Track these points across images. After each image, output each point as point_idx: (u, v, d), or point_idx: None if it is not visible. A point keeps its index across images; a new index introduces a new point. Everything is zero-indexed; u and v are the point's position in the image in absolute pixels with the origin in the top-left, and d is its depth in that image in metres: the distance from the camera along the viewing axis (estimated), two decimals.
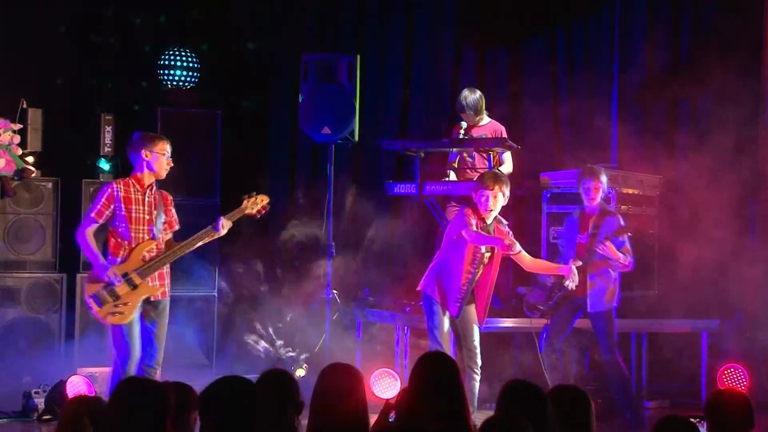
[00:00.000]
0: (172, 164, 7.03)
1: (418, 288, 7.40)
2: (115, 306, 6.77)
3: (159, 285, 6.93)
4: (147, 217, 6.88)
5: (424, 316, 7.42)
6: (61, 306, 9.16)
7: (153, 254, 6.91)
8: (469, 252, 7.16)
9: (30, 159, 9.11)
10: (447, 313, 7.25)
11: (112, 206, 6.81)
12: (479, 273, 7.26)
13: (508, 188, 7.24)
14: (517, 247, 7.18)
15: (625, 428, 7.71)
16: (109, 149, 9.44)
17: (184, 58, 9.75)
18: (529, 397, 4.17)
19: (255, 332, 9.40)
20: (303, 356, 9.19)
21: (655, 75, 10.18)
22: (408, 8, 10.89)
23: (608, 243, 7.68)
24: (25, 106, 9.21)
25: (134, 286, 6.81)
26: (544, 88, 10.46)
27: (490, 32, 10.73)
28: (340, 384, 4.35)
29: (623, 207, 9.04)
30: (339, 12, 10.88)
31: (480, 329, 7.38)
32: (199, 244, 7.01)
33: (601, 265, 7.78)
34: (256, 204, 7.12)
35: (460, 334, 7.36)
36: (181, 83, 9.76)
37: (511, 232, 7.32)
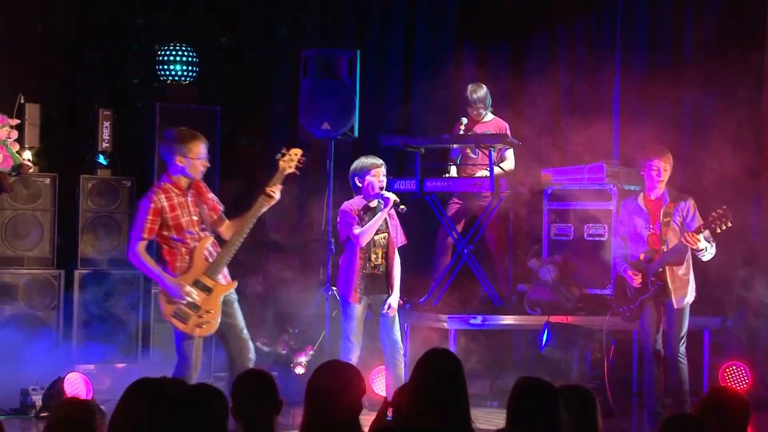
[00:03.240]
0: (208, 165, 6.83)
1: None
2: (199, 317, 6.59)
3: (231, 279, 6.78)
4: (195, 218, 6.71)
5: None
6: (59, 302, 9.12)
7: (213, 250, 6.74)
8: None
9: (27, 154, 9.07)
10: (359, 304, 7.30)
11: (159, 219, 6.61)
12: (380, 257, 7.34)
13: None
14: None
15: (625, 428, 7.67)
16: (107, 145, 9.39)
17: (182, 53, 9.70)
18: (542, 394, 4.12)
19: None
20: (301, 353, 9.16)
21: (658, 71, 10.14)
22: (408, 3, 10.85)
23: (693, 234, 7.17)
24: (22, 101, 9.17)
25: (209, 291, 6.64)
26: (545, 83, 10.41)
27: (491, 28, 10.69)
28: (335, 381, 4.32)
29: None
30: (339, 7, 10.84)
31: (404, 308, 7.62)
32: (257, 215, 6.78)
33: (682, 256, 7.39)
34: (292, 160, 6.93)
35: (379, 326, 7.40)
36: (180, 78, 9.71)
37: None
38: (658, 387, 7.55)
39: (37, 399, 7.89)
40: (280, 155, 6.94)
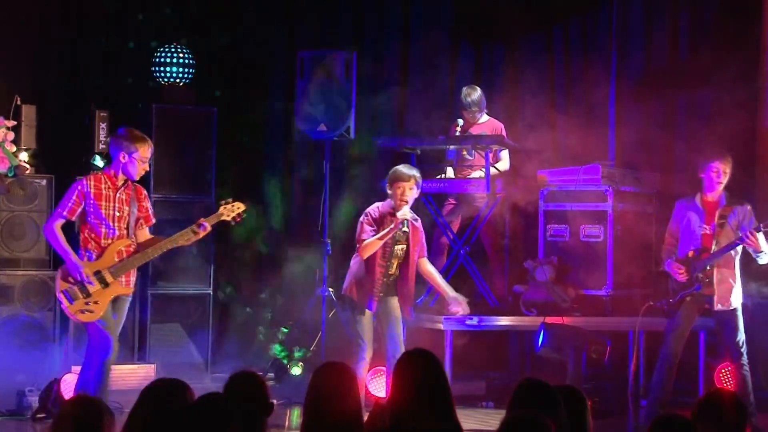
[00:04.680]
0: (147, 169, 7.05)
1: (342, 291, 7.48)
2: (86, 303, 6.81)
3: (130, 284, 6.97)
4: (118, 214, 6.91)
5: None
6: (56, 304, 9.08)
7: (127, 252, 6.93)
8: (379, 252, 7.23)
9: (24, 156, 9.06)
10: (365, 312, 7.31)
11: (82, 203, 6.86)
12: (395, 267, 7.34)
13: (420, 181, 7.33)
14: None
15: (621, 428, 7.67)
16: (104, 146, 9.36)
17: (179, 55, 9.70)
18: (543, 396, 4.12)
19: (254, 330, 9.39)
20: (298, 354, 9.16)
21: (653, 72, 10.15)
22: (405, 4, 10.85)
23: (753, 231, 7.19)
24: (19, 102, 9.15)
25: (106, 285, 6.85)
26: (541, 85, 10.43)
27: (487, 29, 10.69)
28: (335, 383, 4.32)
29: (620, 205, 9.01)
30: (335, 8, 10.83)
31: (409, 321, 7.59)
32: (177, 245, 7.05)
33: (729, 259, 7.41)
34: (232, 211, 7.17)
35: (384, 325, 7.40)
36: (176, 79, 9.70)
37: (422, 231, 7.45)
38: (667, 388, 7.54)
39: (33, 400, 7.87)
40: (224, 202, 7.20)
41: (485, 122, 9.29)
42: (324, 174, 9.51)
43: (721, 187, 7.47)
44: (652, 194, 9.40)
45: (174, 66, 9.69)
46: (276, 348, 9.28)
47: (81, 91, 9.95)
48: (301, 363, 9.09)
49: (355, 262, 7.43)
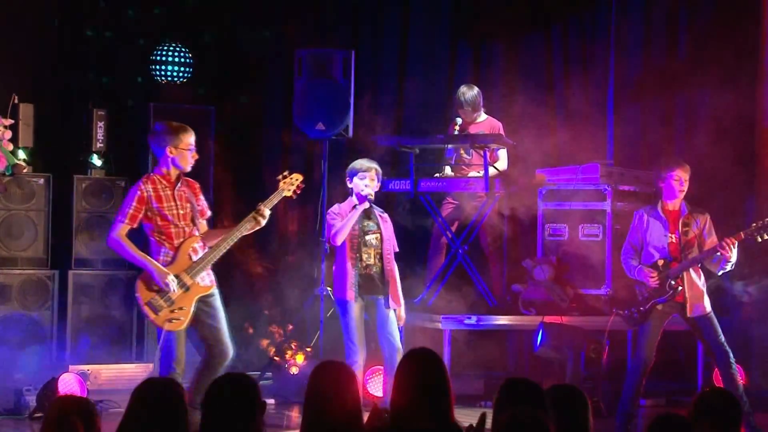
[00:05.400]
0: (197, 156, 6.85)
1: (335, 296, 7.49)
2: (171, 312, 6.59)
3: (210, 281, 6.77)
4: (182, 212, 6.71)
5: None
6: (53, 303, 9.10)
7: (199, 251, 6.75)
8: (348, 240, 7.26)
9: (21, 154, 9.04)
10: (357, 305, 7.28)
11: (144, 208, 6.64)
12: (373, 257, 7.33)
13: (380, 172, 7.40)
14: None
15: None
16: (102, 145, 9.37)
17: (176, 53, 9.68)
18: (528, 394, 4.12)
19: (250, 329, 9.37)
20: (296, 353, 9.14)
21: (652, 70, 10.15)
22: (403, 3, 10.84)
23: (733, 240, 7.18)
24: (16, 101, 9.14)
25: (186, 288, 6.65)
26: (539, 84, 10.42)
27: (486, 28, 10.69)
28: (334, 382, 4.30)
29: (619, 204, 9.01)
30: (334, 7, 10.82)
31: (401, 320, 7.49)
32: (243, 234, 6.83)
33: (697, 265, 7.41)
34: (291, 184, 7.01)
35: (377, 325, 7.39)
36: (173, 78, 9.69)
37: (391, 225, 7.48)
38: (637, 392, 7.52)
39: (31, 400, 7.85)
40: (281, 176, 7.02)
41: (483, 121, 9.28)
42: (322, 173, 9.50)
43: (682, 195, 7.45)
44: (651, 193, 9.38)
45: (172, 65, 9.68)
46: (270, 347, 9.26)
47: (79, 89, 9.94)
48: (298, 362, 9.07)
49: (335, 263, 7.45)
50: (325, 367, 4.44)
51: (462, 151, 9.21)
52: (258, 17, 10.72)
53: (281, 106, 10.50)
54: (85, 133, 9.43)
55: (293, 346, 8.96)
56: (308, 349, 8.95)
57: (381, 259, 7.38)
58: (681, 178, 7.39)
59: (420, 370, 4.27)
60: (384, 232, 7.39)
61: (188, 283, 6.65)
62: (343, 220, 7.28)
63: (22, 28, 9.73)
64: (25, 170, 8.96)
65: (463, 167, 9.18)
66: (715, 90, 9.50)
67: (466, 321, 8.55)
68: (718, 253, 7.27)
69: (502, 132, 9.14)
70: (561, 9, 10.59)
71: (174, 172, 6.75)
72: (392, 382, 7.16)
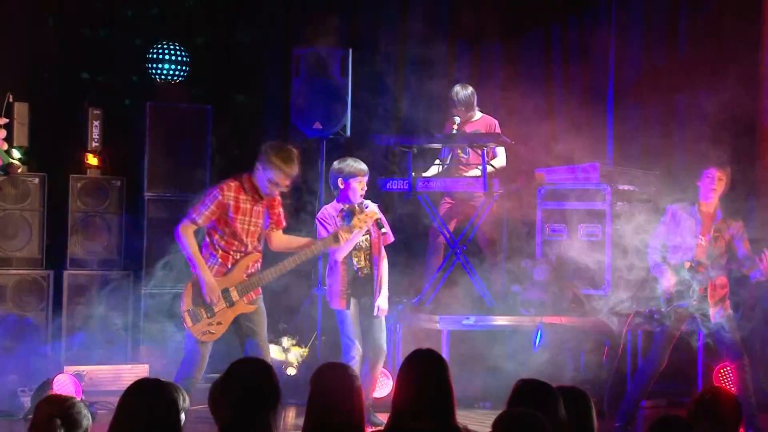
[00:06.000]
0: (284, 190, 6.78)
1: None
2: (209, 324, 6.58)
3: (253, 300, 6.73)
4: (252, 228, 6.66)
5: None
6: (48, 303, 9.05)
7: (255, 268, 6.72)
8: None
9: (16, 154, 8.99)
10: (351, 311, 7.31)
11: (219, 213, 6.58)
12: (363, 260, 7.35)
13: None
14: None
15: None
16: (97, 144, 9.33)
17: (173, 52, 9.64)
18: (542, 395, 4.08)
19: None
20: (293, 354, 9.10)
21: (651, 69, 10.12)
22: (401, 1, 10.80)
23: None
24: (11, 100, 9.07)
25: (231, 304, 6.63)
26: (538, 83, 10.39)
27: (485, 27, 10.65)
28: (337, 384, 4.26)
29: (618, 204, 8.96)
30: (331, 5, 10.78)
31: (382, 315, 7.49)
32: (316, 254, 6.94)
33: (724, 271, 7.37)
34: (365, 222, 7.02)
35: (365, 326, 7.41)
36: (170, 77, 9.64)
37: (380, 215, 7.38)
38: (643, 393, 7.51)
39: (26, 401, 7.81)
40: (358, 210, 7.07)
41: (478, 119, 9.23)
42: (319, 172, 9.46)
43: (716, 195, 7.39)
44: (651, 193, 9.34)
45: (168, 63, 9.63)
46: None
47: (74, 88, 9.89)
48: (295, 363, 9.01)
49: (328, 268, 7.45)
50: (329, 370, 4.40)
51: (459, 151, 9.16)
52: (256, 16, 10.68)
53: (278, 105, 10.46)
54: (81, 132, 9.38)
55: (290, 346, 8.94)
56: (305, 350, 8.91)
57: (371, 259, 7.41)
58: (714, 177, 7.33)
59: (423, 370, 4.23)
60: (372, 233, 7.38)
61: (234, 300, 6.63)
62: (330, 229, 7.21)
63: (17, 26, 9.69)
64: (20, 170, 8.94)
65: (461, 167, 9.13)
66: (715, 89, 9.46)
67: (465, 321, 8.51)
68: (755, 266, 7.21)
69: (498, 129, 9.09)
70: (560, 8, 10.56)
71: (260, 191, 6.68)
72: (371, 382, 7.31)
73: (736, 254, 7.38)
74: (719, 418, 4.45)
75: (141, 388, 3.96)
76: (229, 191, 6.60)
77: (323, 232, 7.23)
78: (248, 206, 6.63)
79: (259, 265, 6.76)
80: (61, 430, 3.90)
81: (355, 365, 7.18)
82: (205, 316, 6.56)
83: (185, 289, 6.65)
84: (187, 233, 6.56)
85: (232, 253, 6.64)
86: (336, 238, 6.85)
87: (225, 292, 6.59)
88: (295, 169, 6.67)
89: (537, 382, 4.20)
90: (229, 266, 6.63)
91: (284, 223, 6.91)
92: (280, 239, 6.89)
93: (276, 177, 6.60)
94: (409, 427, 4.10)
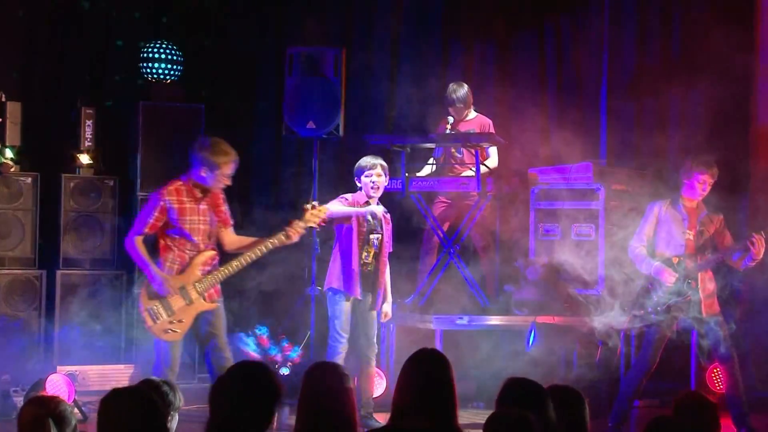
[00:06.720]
0: (229, 183, 6.82)
1: (325, 288, 7.59)
2: (170, 323, 6.63)
3: (213, 298, 6.77)
4: (202, 226, 6.72)
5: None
6: (41, 303, 9.02)
7: (211, 265, 6.76)
8: (356, 234, 7.39)
9: (9, 153, 8.97)
10: (349, 301, 7.42)
11: (164, 218, 6.65)
12: (371, 256, 7.48)
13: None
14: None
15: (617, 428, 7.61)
16: (90, 143, 9.30)
17: (166, 51, 9.62)
18: (531, 394, 4.08)
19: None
20: (287, 353, 9.08)
21: (645, 69, 10.12)
22: (395, 1, 10.78)
23: (761, 238, 7.14)
24: (3, 99, 9.07)
25: (190, 301, 6.67)
26: (532, 82, 10.38)
27: (478, 26, 10.64)
28: (328, 384, 4.25)
29: (612, 203, 8.96)
30: (325, 4, 10.76)
31: (378, 319, 7.63)
32: (267, 251, 6.89)
33: (711, 264, 7.39)
34: (317, 216, 7.03)
35: (360, 325, 7.52)
36: (163, 76, 9.62)
37: (391, 226, 7.66)
38: (636, 392, 7.53)
39: (19, 401, 7.79)
40: (310, 206, 7.04)
41: (473, 119, 9.22)
42: (313, 172, 9.45)
43: (702, 197, 7.45)
44: (644, 193, 9.34)
45: (161, 63, 9.61)
46: (252, 346, 9.19)
47: (67, 87, 9.87)
48: (289, 362, 8.99)
49: (334, 257, 7.54)
50: (321, 369, 4.39)
51: (453, 150, 9.16)
52: (249, 15, 10.66)
53: (272, 105, 10.44)
54: (74, 131, 9.36)
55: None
56: (299, 352, 8.89)
57: (377, 258, 7.52)
58: (707, 182, 7.37)
59: (424, 370, 4.22)
60: (384, 234, 7.55)
61: (193, 297, 6.67)
62: (350, 207, 7.40)
63: (10, 25, 9.67)
64: (12, 169, 8.91)
65: (456, 166, 9.12)
66: (709, 88, 9.47)
67: (458, 321, 8.51)
68: (747, 251, 7.21)
69: (492, 129, 9.08)
70: (554, 8, 10.55)
71: (202, 188, 6.74)
72: (365, 379, 7.34)
73: (724, 245, 7.40)
74: (700, 421, 4.45)
75: (115, 399, 3.91)
76: (169, 195, 6.67)
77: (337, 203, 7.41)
78: (192, 206, 6.70)
79: (215, 262, 6.82)
80: (53, 429, 3.89)
81: (341, 361, 7.21)
82: (164, 314, 6.61)
83: (141, 290, 6.74)
84: (137, 244, 6.69)
85: (186, 253, 6.71)
86: (287, 234, 6.87)
87: (182, 289, 6.65)
88: (233, 153, 6.77)
89: (525, 381, 4.20)
90: (183, 265, 6.70)
91: (231, 221, 6.96)
92: (231, 239, 6.95)
93: (220, 168, 6.67)
94: (409, 427, 4.09)
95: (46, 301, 9.05)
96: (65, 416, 3.96)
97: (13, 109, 9.10)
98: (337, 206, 7.42)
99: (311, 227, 7.10)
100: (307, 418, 4.22)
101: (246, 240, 6.97)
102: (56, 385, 7.76)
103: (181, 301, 6.63)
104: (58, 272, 9.09)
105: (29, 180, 9.08)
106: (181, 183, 6.74)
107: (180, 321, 6.64)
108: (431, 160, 9.11)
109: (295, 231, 6.85)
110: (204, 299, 6.71)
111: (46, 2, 9.95)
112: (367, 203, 7.49)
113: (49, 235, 9.23)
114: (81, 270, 9.18)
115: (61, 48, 10.00)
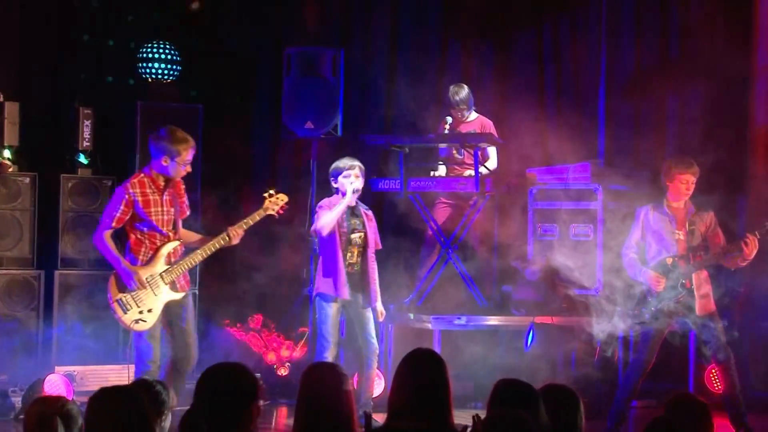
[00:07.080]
0: (190, 170, 6.90)
1: (314, 294, 7.60)
2: (140, 313, 6.70)
3: (183, 287, 6.85)
4: (166, 217, 6.80)
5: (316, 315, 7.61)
6: (39, 303, 9.01)
7: (177, 255, 6.84)
8: (337, 236, 7.40)
9: (7, 153, 8.96)
10: (336, 304, 7.44)
11: (131, 212, 6.72)
12: (356, 255, 7.49)
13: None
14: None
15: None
16: (88, 143, 9.29)
17: (164, 51, 9.61)
18: (522, 395, 4.08)
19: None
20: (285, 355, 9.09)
21: (643, 70, 10.13)
22: (393, 1, 10.78)
23: (754, 238, 7.16)
24: (2, 99, 9.06)
25: (159, 291, 6.76)
26: (530, 82, 10.39)
27: (476, 26, 10.65)
28: (327, 384, 4.25)
29: (610, 203, 8.97)
30: (323, 4, 10.76)
31: (374, 317, 7.60)
32: (215, 250, 6.95)
33: (705, 263, 7.39)
34: (276, 204, 7.13)
35: (356, 325, 7.56)
36: (161, 76, 9.62)
37: (375, 223, 7.67)
38: (632, 392, 7.53)
39: (17, 401, 7.81)
40: (268, 194, 7.14)
41: (474, 120, 9.23)
42: (311, 172, 9.45)
43: (687, 196, 7.46)
44: (642, 193, 9.34)
45: (159, 63, 9.60)
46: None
47: (65, 88, 9.87)
48: (287, 363, 9.00)
49: (319, 262, 7.57)
50: (318, 370, 4.40)
51: (454, 151, 9.16)
52: (247, 15, 10.66)
53: (270, 105, 10.44)
54: (72, 131, 9.35)
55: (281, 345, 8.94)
56: (297, 350, 8.90)
57: (362, 257, 7.53)
58: (689, 182, 7.40)
59: (419, 370, 4.23)
60: (368, 231, 7.52)
61: (161, 287, 6.75)
62: (334, 210, 7.41)
63: (8, 26, 9.66)
64: (10, 169, 8.90)
65: (455, 167, 9.13)
66: (706, 89, 9.48)
67: (456, 321, 8.51)
68: (740, 251, 7.22)
69: (492, 130, 9.09)
70: (552, 7, 10.56)
71: (163, 178, 6.82)
72: (366, 381, 7.35)
73: (716, 243, 7.39)
74: (693, 423, 4.47)
75: (102, 398, 3.92)
76: (133, 188, 6.74)
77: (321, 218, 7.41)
78: (156, 197, 6.77)
79: (180, 251, 6.89)
80: (61, 428, 3.90)
81: None
82: (134, 304, 6.69)
83: (109, 282, 6.81)
84: (106, 239, 6.76)
85: (153, 244, 6.79)
86: (228, 236, 6.92)
87: (149, 278, 6.73)
88: (191, 140, 6.86)
89: (517, 382, 4.21)
90: (151, 256, 6.78)
91: (187, 213, 7.04)
92: (181, 231, 7.01)
93: (180, 155, 6.74)
94: (406, 427, 4.09)
95: (44, 301, 9.04)
96: (72, 415, 3.98)
97: (12, 109, 9.08)
98: (325, 218, 7.40)
99: (270, 215, 7.16)
100: (306, 418, 4.22)
101: (194, 236, 7.07)
102: (54, 386, 7.76)
103: (150, 291, 6.71)
104: (56, 272, 9.08)
105: (27, 180, 9.07)
106: (143, 175, 6.83)
107: (149, 311, 6.72)
108: (440, 162, 9.12)
109: (236, 233, 6.92)
110: (172, 289, 6.80)
111: (46, 1, 9.94)
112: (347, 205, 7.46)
113: (48, 236, 9.21)
114: (79, 270, 9.16)
115: (60, 48, 9.99)
